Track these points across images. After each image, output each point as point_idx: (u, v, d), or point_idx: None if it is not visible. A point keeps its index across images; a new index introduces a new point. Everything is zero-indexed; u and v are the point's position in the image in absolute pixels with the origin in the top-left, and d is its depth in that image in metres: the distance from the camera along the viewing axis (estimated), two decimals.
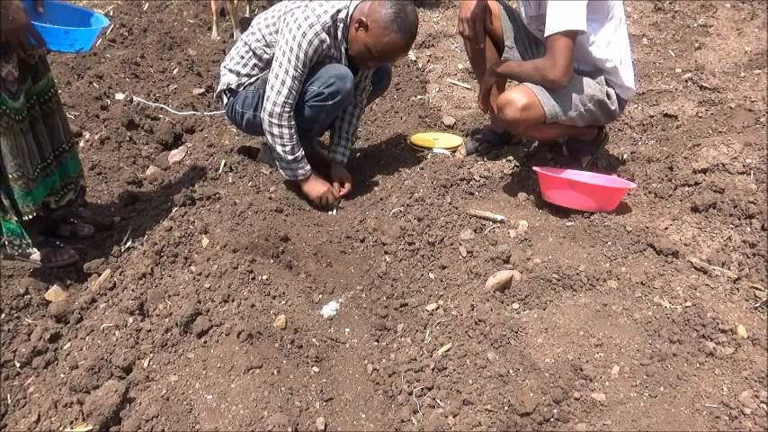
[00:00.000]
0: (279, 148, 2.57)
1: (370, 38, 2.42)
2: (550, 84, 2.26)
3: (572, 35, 2.16)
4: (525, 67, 2.36)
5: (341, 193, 2.78)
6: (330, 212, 2.70)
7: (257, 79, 2.68)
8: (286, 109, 2.49)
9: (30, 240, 2.07)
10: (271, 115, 2.50)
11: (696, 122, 3.06)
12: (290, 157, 2.58)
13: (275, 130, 2.53)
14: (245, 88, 2.70)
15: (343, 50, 2.55)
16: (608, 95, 2.39)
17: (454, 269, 2.02)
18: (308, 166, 2.64)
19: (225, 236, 2.18)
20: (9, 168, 1.92)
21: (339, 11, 2.45)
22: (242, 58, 2.67)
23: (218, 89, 2.79)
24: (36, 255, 2.13)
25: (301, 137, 2.65)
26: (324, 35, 2.42)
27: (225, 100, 2.77)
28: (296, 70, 2.44)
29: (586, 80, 2.34)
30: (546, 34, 2.19)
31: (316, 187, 2.67)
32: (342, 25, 2.47)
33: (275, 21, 2.55)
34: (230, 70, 2.71)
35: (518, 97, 2.27)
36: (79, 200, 2.30)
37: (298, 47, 2.40)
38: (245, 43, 2.65)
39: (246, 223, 2.29)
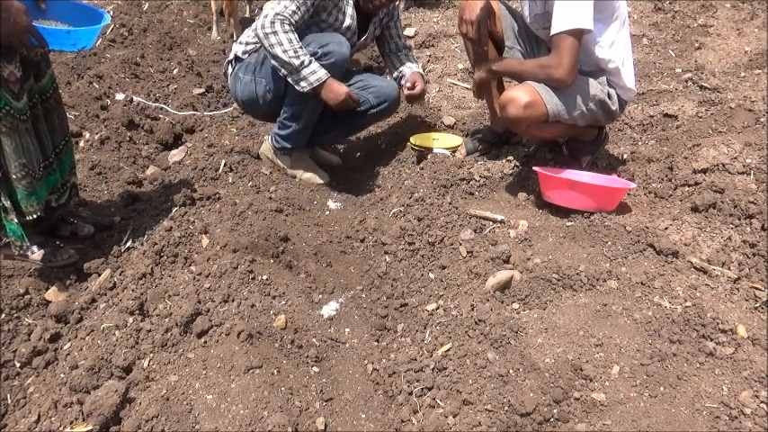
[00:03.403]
0: (282, 56, 2.42)
1: None
2: (555, 83, 2.26)
3: (578, 34, 2.16)
4: (528, 66, 2.36)
5: (415, 91, 2.80)
6: (363, 101, 2.70)
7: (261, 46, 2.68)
8: (279, 18, 2.41)
9: (29, 243, 2.07)
10: (263, 27, 2.42)
11: (696, 122, 3.06)
12: (296, 63, 2.43)
13: (272, 39, 2.42)
14: (249, 56, 2.72)
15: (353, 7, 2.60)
16: (609, 96, 2.39)
17: (454, 269, 2.02)
18: (322, 69, 2.48)
19: (225, 236, 2.18)
20: (13, 169, 1.92)
21: None
22: (253, 30, 2.65)
23: (226, 61, 2.81)
24: (36, 255, 2.13)
25: (306, 129, 2.66)
26: None
27: (230, 70, 2.79)
28: (291, 1, 2.42)
29: (588, 80, 2.34)
30: (552, 33, 2.18)
31: (333, 92, 2.54)
32: None
33: None
34: (239, 43, 2.75)
35: (521, 95, 2.27)
36: (74, 198, 2.30)
37: None
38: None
39: (246, 223, 2.30)
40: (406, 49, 2.99)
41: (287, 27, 2.41)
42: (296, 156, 2.86)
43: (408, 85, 2.83)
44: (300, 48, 2.43)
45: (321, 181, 2.87)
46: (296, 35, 2.43)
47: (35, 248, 2.11)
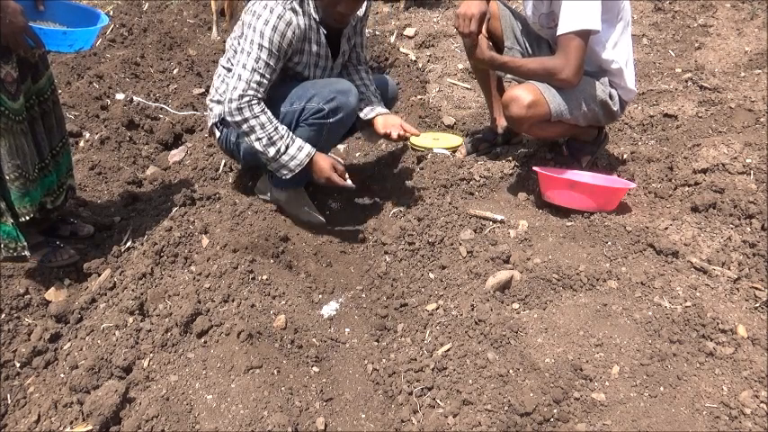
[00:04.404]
0: (257, 145, 2.20)
1: None
2: (561, 83, 2.24)
3: (586, 35, 2.15)
4: (533, 65, 2.33)
5: (404, 132, 2.39)
6: (349, 187, 2.30)
7: None
8: (246, 100, 2.15)
9: (25, 243, 2.04)
10: (231, 115, 2.18)
11: (696, 122, 3.06)
12: (271, 152, 2.18)
13: (243, 127, 2.18)
14: None
15: (314, 25, 2.23)
16: (611, 96, 2.39)
17: (454, 269, 2.02)
18: (302, 152, 2.21)
19: (225, 236, 2.18)
20: (6, 170, 1.91)
21: None
22: (227, 85, 2.33)
23: (210, 124, 2.52)
24: (35, 255, 2.12)
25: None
26: (289, 15, 2.13)
27: (218, 134, 2.52)
28: (256, 62, 2.14)
29: (590, 80, 2.34)
30: (559, 33, 2.17)
31: (316, 173, 2.26)
32: None
33: (239, 31, 2.28)
34: (218, 102, 2.44)
35: (524, 95, 2.26)
36: (69, 200, 2.29)
37: (260, 36, 2.13)
38: (225, 69, 2.40)
39: (246, 223, 2.30)
40: (366, 65, 2.62)
41: (256, 110, 2.16)
42: (293, 194, 2.50)
43: (393, 134, 2.39)
44: (275, 130, 2.17)
45: (316, 222, 2.53)
46: (267, 114, 2.17)
47: (30, 251, 2.07)
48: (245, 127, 2.19)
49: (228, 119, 2.22)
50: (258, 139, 2.18)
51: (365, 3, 2.32)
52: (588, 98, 2.33)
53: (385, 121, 2.44)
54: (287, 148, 2.19)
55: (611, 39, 2.31)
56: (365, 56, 2.63)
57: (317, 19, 2.22)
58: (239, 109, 2.16)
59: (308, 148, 2.22)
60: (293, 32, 2.17)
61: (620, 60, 2.35)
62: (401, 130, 2.40)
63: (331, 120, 2.26)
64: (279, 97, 2.30)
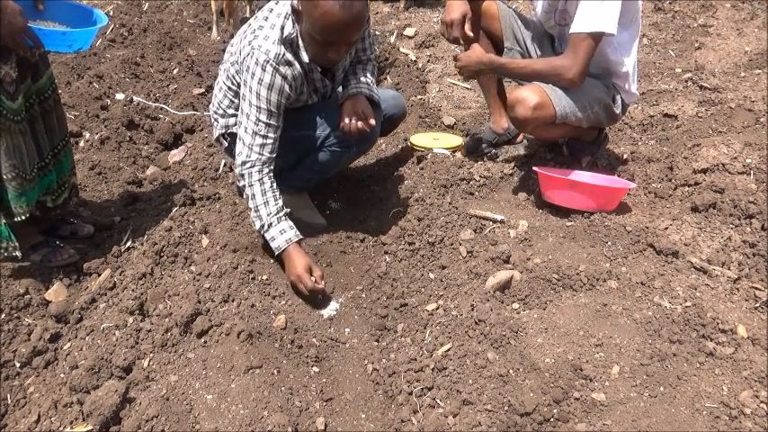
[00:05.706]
0: (250, 213, 2.18)
1: (307, 22, 1.96)
2: (565, 83, 2.23)
3: (599, 37, 2.13)
4: (537, 65, 2.31)
5: (366, 124, 2.21)
6: (321, 308, 2.09)
7: None
8: (247, 167, 2.11)
9: (17, 243, 2.03)
10: (235, 166, 2.18)
11: (696, 122, 3.06)
12: (257, 224, 2.13)
13: (245, 193, 2.17)
14: None
15: (307, 67, 2.15)
16: (614, 99, 2.39)
17: (454, 269, 2.02)
18: (281, 238, 2.09)
19: (225, 236, 2.18)
20: (3, 169, 1.91)
21: (283, 28, 2.05)
22: (232, 102, 2.37)
23: (217, 134, 2.49)
24: (34, 256, 2.13)
25: (306, 182, 2.46)
26: (283, 70, 2.06)
27: (225, 144, 2.50)
28: (256, 125, 2.09)
29: (595, 82, 2.34)
30: (572, 30, 2.15)
31: (287, 268, 2.08)
32: (296, 36, 2.07)
33: (236, 59, 2.21)
34: (224, 115, 2.43)
35: (530, 96, 2.24)
36: (73, 198, 2.29)
37: (257, 97, 2.07)
38: (229, 88, 2.35)
39: (246, 223, 2.30)
40: (366, 63, 2.44)
41: (254, 178, 2.11)
42: (294, 197, 2.46)
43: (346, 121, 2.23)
44: (264, 204, 2.11)
45: (318, 223, 2.51)
46: (264, 186, 2.11)
47: (20, 252, 2.05)
48: (245, 193, 2.18)
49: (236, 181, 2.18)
50: (250, 209, 2.16)
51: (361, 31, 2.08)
52: (593, 100, 2.33)
53: (345, 109, 2.26)
54: (269, 226, 2.11)
55: (624, 42, 2.29)
56: (367, 55, 2.44)
57: (309, 61, 2.12)
58: (241, 175, 2.14)
59: (288, 234, 2.10)
60: (290, 86, 2.10)
61: (629, 64, 2.34)
62: (353, 125, 2.22)
63: (354, 149, 2.35)
64: (302, 121, 2.26)
